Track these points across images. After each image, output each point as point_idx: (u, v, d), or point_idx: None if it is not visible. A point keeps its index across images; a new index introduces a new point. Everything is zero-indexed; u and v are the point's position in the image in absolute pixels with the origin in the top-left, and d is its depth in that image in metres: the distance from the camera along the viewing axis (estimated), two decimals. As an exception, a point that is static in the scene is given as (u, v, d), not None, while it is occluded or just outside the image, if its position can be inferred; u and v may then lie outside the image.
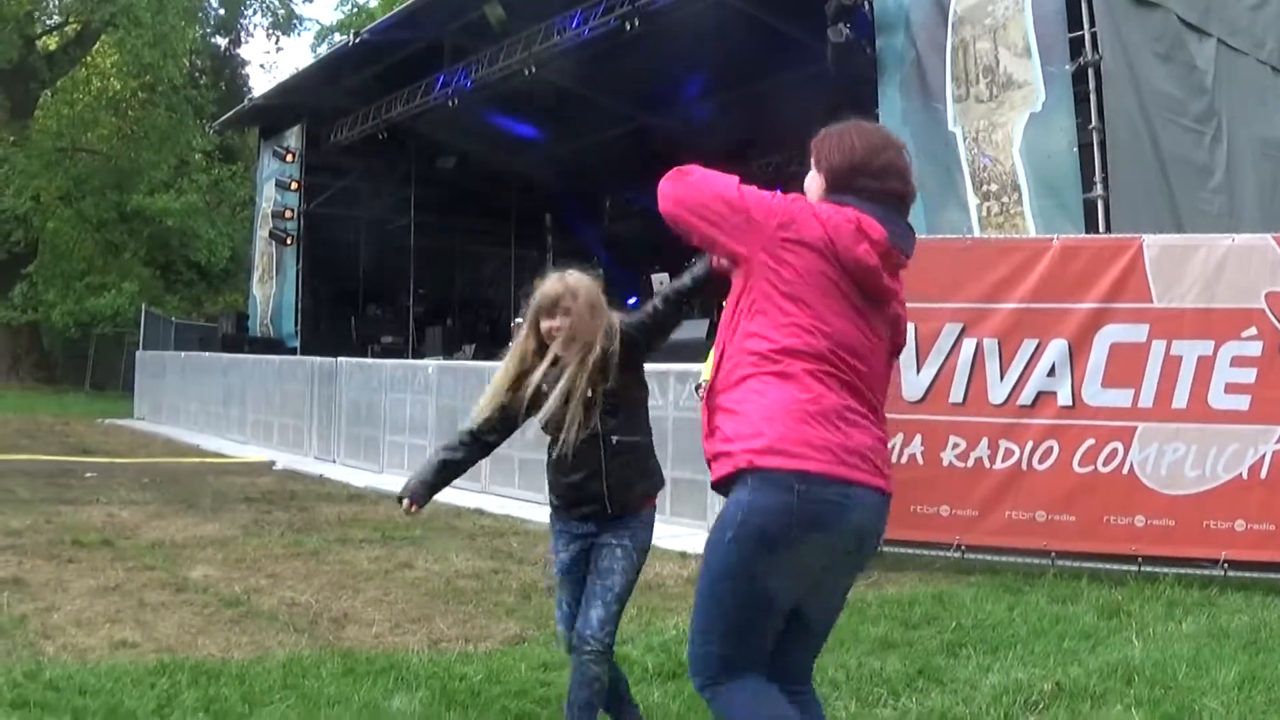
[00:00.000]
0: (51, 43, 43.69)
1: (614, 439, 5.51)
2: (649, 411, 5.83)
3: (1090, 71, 13.81)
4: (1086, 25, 13.87)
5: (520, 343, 5.69)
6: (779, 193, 4.31)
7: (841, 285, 4.16)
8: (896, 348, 4.51)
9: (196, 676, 6.77)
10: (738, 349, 4.24)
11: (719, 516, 4.15)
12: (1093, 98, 13.79)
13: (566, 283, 5.60)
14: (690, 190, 4.32)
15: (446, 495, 15.52)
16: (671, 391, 13.99)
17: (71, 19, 42.30)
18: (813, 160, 4.49)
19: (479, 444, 5.83)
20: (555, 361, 5.52)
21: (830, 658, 7.27)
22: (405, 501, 5.68)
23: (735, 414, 4.20)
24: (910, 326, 10.86)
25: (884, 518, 4.23)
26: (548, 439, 5.58)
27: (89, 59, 44.55)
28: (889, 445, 4.37)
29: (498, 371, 5.75)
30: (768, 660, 4.26)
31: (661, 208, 4.33)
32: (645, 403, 5.80)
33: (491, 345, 27.73)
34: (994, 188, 14.53)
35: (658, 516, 5.76)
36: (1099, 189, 13.50)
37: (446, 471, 5.83)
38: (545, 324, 5.53)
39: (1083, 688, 6.64)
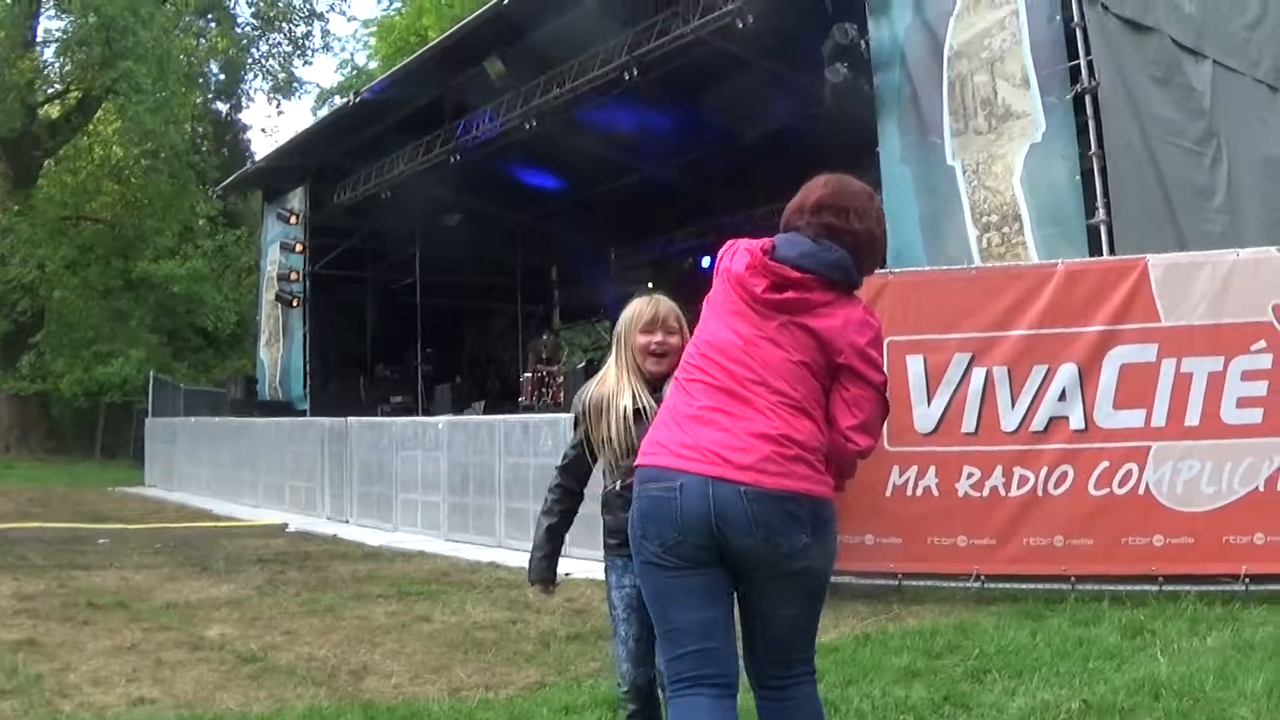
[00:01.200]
0: (54, 111, 43.83)
1: None
2: None
3: (1088, 98, 13.85)
4: (1083, 53, 13.91)
5: (610, 367, 5.69)
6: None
7: (730, 299, 4.63)
8: (839, 368, 4.53)
9: (217, 730, 6.76)
10: None
11: None
12: (1091, 124, 13.82)
13: (660, 300, 5.65)
14: None
15: (461, 550, 15.67)
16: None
17: (73, 86, 42.48)
18: None
19: (569, 493, 5.96)
20: (651, 381, 5.54)
21: (855, 689, 7.27)
22: (538, 586, 6.02)
23: None
24: (919, 359, 10.92)
25: (738, 507, 4.29)
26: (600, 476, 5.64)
27: (91, 126, 44.65)
28: (779, 435, 4.38)
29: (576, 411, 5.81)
30: (721, 665, 4.45)
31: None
32: None
33: (501, 402, 27.79)
34: (994, 219, 14.55)
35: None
36: (1101, 214, 13.51)
37: (555, 536, 6.00)
38: (645, 339, 5.52)
39: (1110, 705, 6.62)
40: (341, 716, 7.11)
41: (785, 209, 4.78)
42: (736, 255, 4.64)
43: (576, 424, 5.78)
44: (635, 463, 4.60)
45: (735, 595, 4.54)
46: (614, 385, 5.56)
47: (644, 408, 5.41)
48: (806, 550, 4.38)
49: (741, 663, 4.62)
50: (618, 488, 5.50)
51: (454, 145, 25.68)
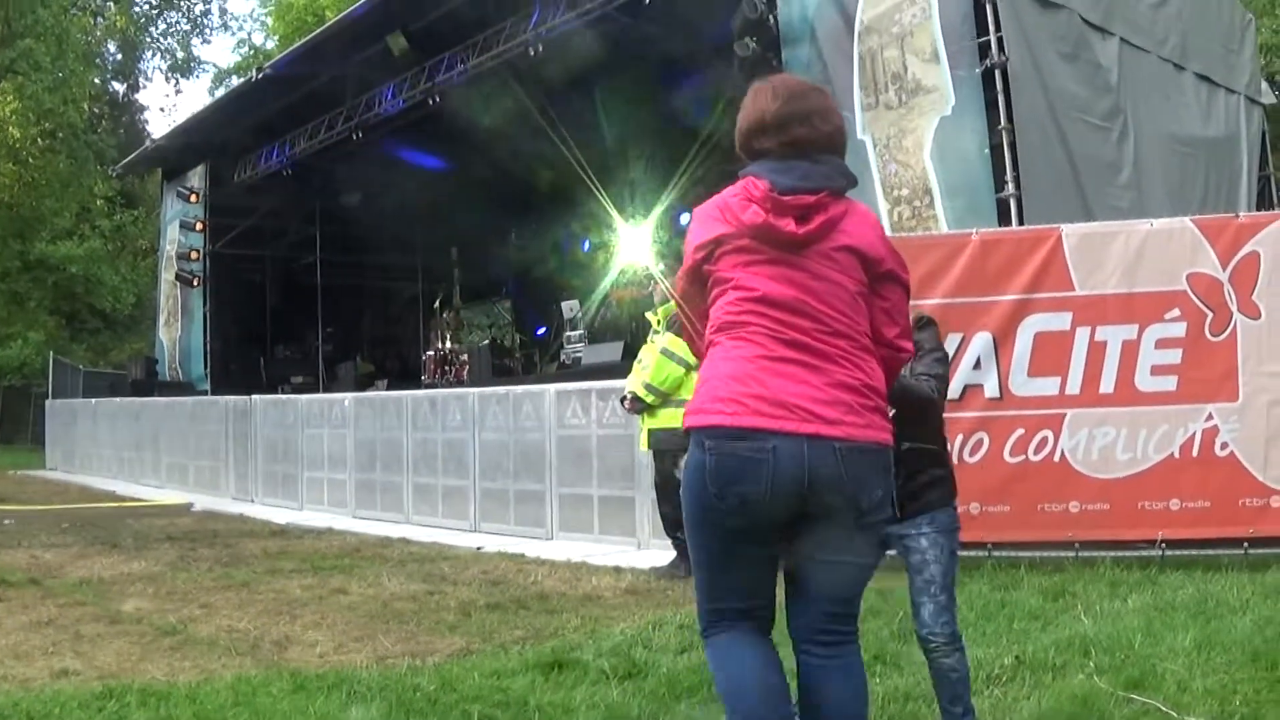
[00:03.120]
0: (-50, 91, 43.07)
1: None
2: None
3: (998, 73, 13.92)
4: (992, 29, 13.98)
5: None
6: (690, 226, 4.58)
7: (756, 251, 4.30)
8: (879, 277, 4.40)
9: (145, 698, 6.64)
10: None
11: None
12: (1001, 99, 13.89)
13: None
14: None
15: (370, 527, 15.60)
16: (594, 409, 13.99)
17: (-30, 67, 41.71)
18: None
19: None
20: None
21: (787, 649, 7.26)
22: None
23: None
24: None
25: (832, 463, 4.11)
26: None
27: (-12, 107, 43.92)
28: (860, 384, 4.23)
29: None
30: (761, 613, 4.36)
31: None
32: None
33: (402, 380, 27.63)
34: (905, 192, 14.61)
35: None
36: (1010, 188, 13.60)
37: None
38: None
39: (1042, 661, 6.68)
40: (270, 684, 7.00)
41: (739, 134, 4.53)
42: (731, 211, 4.34)
43: None
44: (705, 419, 4.22)
45: (789, 547, 4.35)
46: None
47: None
48: (884, 501, 4.30)
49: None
50: None
51: (355, 123, 25.44)
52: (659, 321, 11.63)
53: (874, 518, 4.27)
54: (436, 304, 32.40)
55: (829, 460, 4.10)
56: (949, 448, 5.73)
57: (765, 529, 4.21)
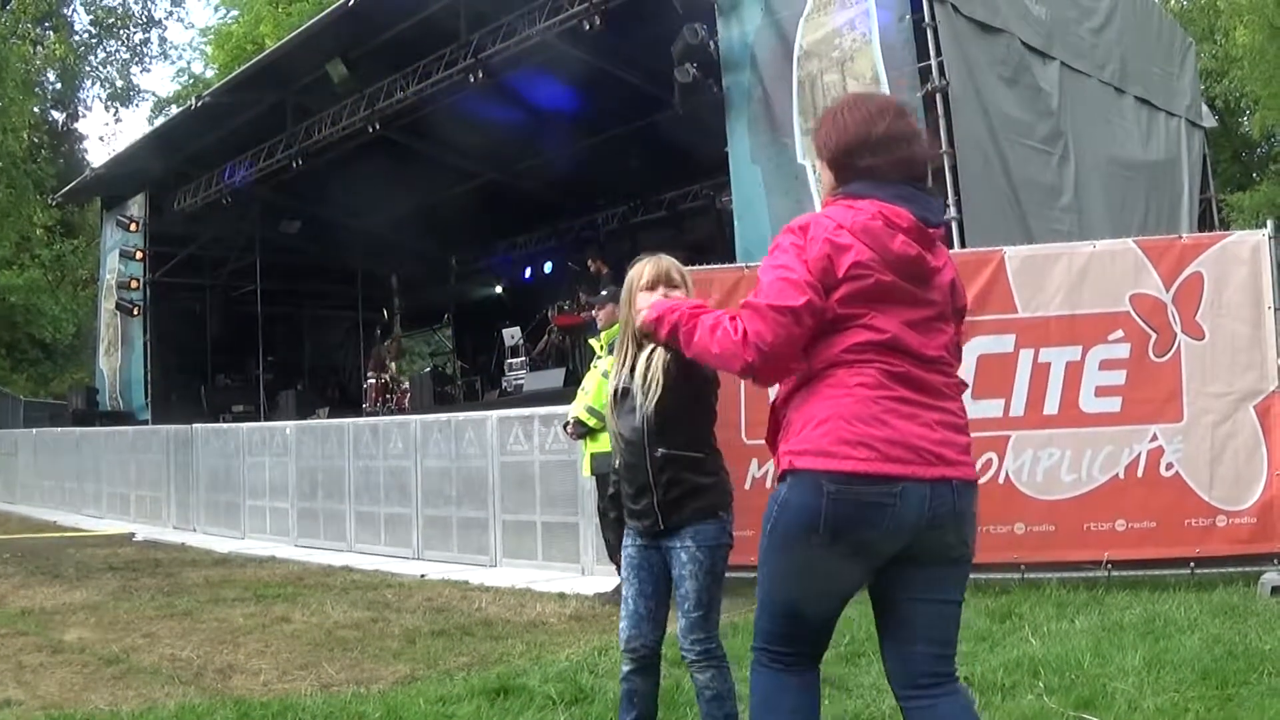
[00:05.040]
0: (-111, 119, 42.71)
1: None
2: None
3: (939, 97, 13.98)
4: (933, 53, 14.07)
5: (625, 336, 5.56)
6: (796, 243, 4.14)
7: (891, 285, 4.09)
8: (958, 310, 4.35)
9: (89, 729, 6.59)
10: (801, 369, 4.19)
11: (768, 504, 4.17)
12: (942, 122, 13.94)
13: (661, 257, 5.54)
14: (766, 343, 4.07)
15: (313, 555, 15.50)
16: (537, 435, 13.95)
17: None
18: (816, 153, 4.43)
19: None
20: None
21: (737, 670, 7.23)
22: None
23: (789, 422, 4.19)
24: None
25: (950, 503, 4.05)
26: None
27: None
28: (964, 423, 4.19)
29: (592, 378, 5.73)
30: (822, 645, 4.29)
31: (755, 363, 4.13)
32: None
33: (343, 408, 27.51)
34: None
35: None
36: (951, 211, 13.62)
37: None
38: (649, 297, 5.30)
39: (992, 682, 6.67)
40: (214, 713, 6.95)
41: (836, 145, 4.28)
42: (873, 233, 4.07)
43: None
44: (831, 463, 3.98)
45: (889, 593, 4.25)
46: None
47: (622, 387, 5.46)
48: (972, 535, 4.25)
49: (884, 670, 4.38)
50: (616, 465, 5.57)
51: (295, 150, 25.32)
52: (602, 347, 11.59)
53: (968, 549, 4.24)
54: (377, 331, 32.33)
55: (948, 500, 4.06)
56: (720, 456, 5.64)
57: (864, 573, 4.16)
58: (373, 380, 28.11)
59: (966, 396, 10.00)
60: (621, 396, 5.37)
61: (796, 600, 4.15)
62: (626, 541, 5.65)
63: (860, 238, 4.06)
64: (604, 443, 10.91)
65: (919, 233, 4.12)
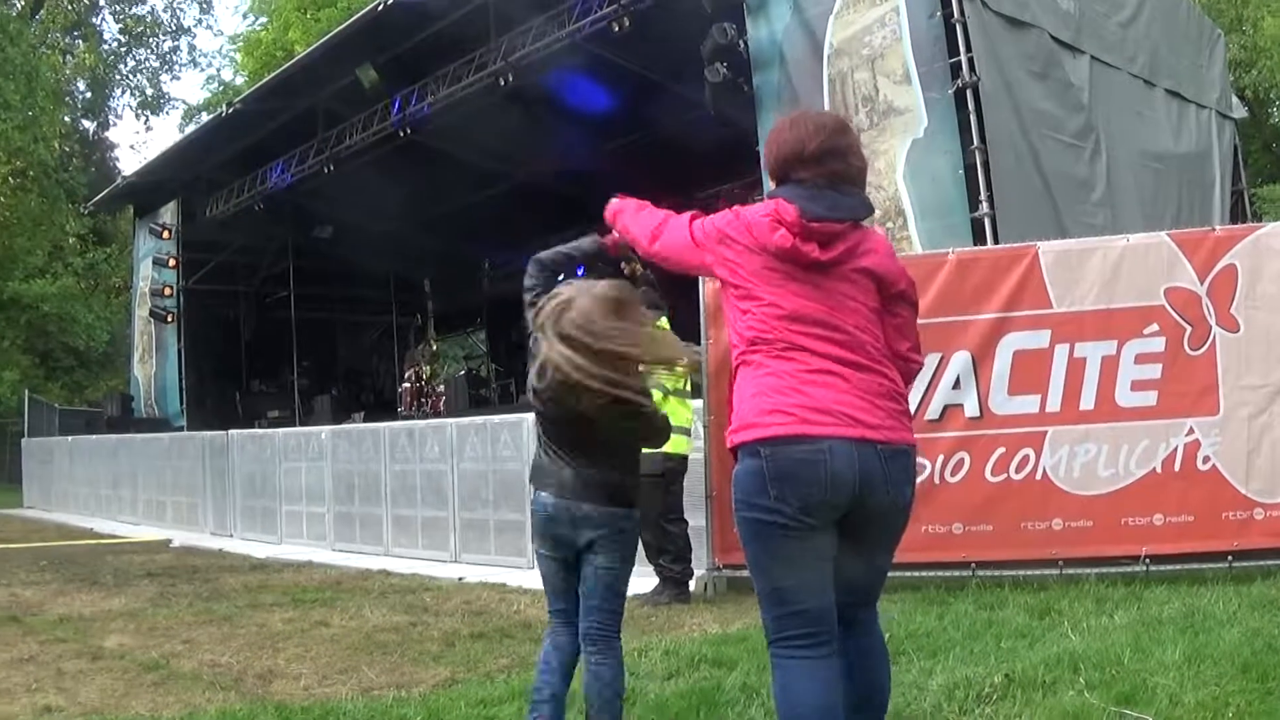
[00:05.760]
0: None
1: None
2: None
3: (969, 93, 13.97)
4: (963, 49, 14.05)
5: None
6: (722, 213, 4.85)
7: (785, 270, 4.58)
8: (894, 297, 4.76)
9: (130, 734, 6.62)
10: (730, 354, 4.73)
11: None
12: (973, 119, 13.95)
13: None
14: (664, 245, 5.04)
15: (350, 559, 15.52)
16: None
17: (-61, 106, 41.57)
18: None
19: None
20: None
21: (770, 675, 7.24)
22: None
23: (730, 407, 4.67)
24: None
25: (877, 465, 4.43)
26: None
27: (-44, 147, 43.79)
28: (890, 391, 4.59)
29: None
30: (825, 620, 4.51)
31: (641, 250, 5.20)
32: None
33: (378, 412, 27.56)
34: (877, 214, 14.62)
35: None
36: (984, 207, 13.63)
37: None
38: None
39: (1032, 679, 6.63)
40: (256, 718, 6.97)
41: (774, 158, 4.81)
42: (758, 228, 4.62)
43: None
44: (757, 432, 4.45)
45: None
46: None
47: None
48: (911, 499, 4.68)
49: None
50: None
51: (327, 156, 25.38)
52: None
53: (906, 514, 4.70)
54: (411, 335, 32.33)
55: (875, 462, 4.44)
56: None
57: (824, 531, 4.44)
58: (407, 384, 28.17)
59: (1003, 392, 10.04)
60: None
61: (773, 564, 4.50)
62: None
63: (751, 228, 4.65)
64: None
65: (801, 228, 4.52)
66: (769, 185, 4.94)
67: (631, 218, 5.28)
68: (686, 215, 4.98)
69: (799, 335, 4.50)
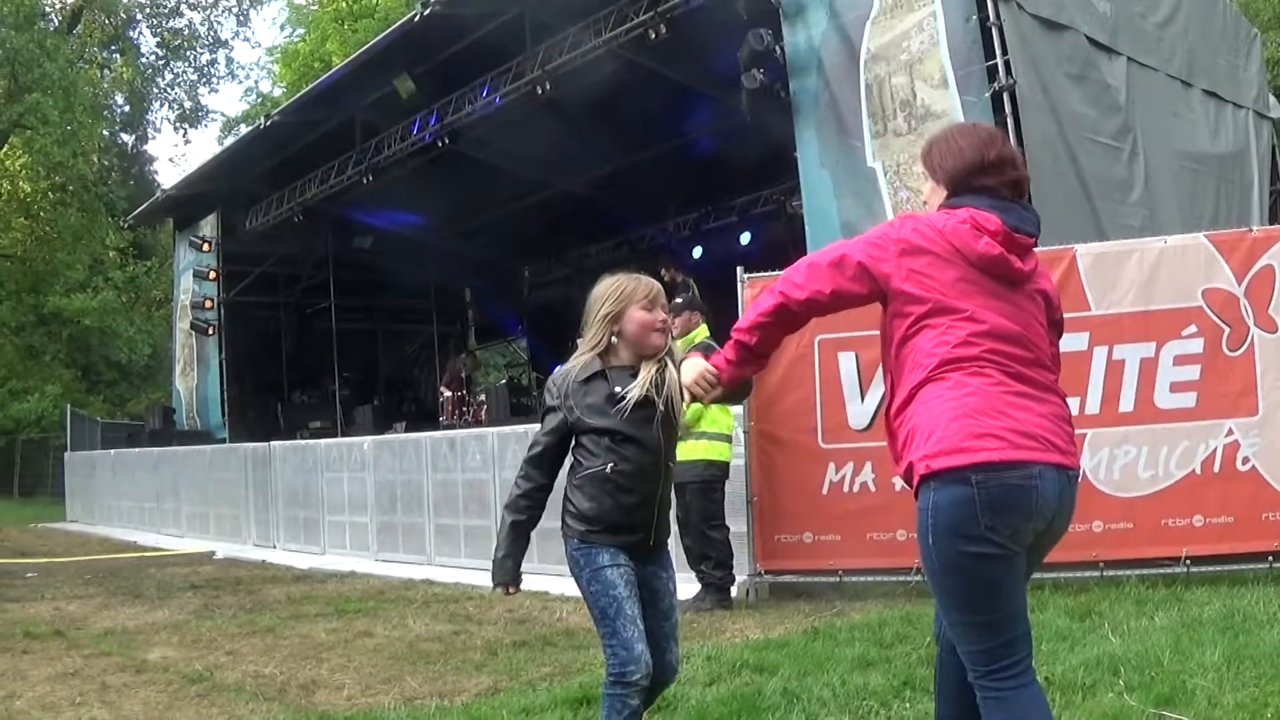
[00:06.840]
0: (-40, 148, 43.25)
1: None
2: None
3: (1006, 96, 13.96)
4: (999, 52, 14.04)
5: (590, 348, 5.46)
6: (891, 223, 4.58)
7: (981, 282, 4.40)
8: (1054, 323, 4.67)
9: (176, 746, 6.67)
10: (904, 374, 4.47)
11: (919, 520, 4.32)
12: (1010, 122, 13.91)
13: (643, 276, 5.53)
14: (809, 284, 4.54)
15: (393, 569, 15.56)
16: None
17: (-21, 122, 41.90)
18: (926, 172, 4.75)
19: (540, 487, 5.59)
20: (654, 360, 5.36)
21: (813, 679, 7.28)
22: (503, 589, 5.52)
23: (913, 430, 4.37)
24: (851, 356, 10.94)
25: (1069, 490, 4.31)
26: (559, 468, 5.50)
27: (-2, 162, 44.19)
28: (1069, 415, 4.48)
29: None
30: (1030, 643, 4.36)
31: (789, 300, 4.58)
32: None
33: (419, 422, 27.59)
34: (919, 220, 14.61)
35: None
36: (1026, 212, 13.59)
37: (522, 534, 5.57)
38: (649, 316, 5.36)
39: (1072, 681, 6.67)
40: (301, 727, 7.04)
41: (955, 165, 4.62)
42: (956, 235, 4.40)
43: (550, 412, 5.51)
44: (969, 457, 4.17)
45: None
46: (599, 364, 5.40)
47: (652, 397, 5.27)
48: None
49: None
50: (609, 470, 5.31)
51: (365, 166, 25.42)
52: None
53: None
54: (452, 345, 32.37)
55: (1068, 488, 4.31)
56: None
57: (1024, 554, 4.30)
58: (449, 394, 28.15)
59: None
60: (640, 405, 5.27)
61: (998, 604, 4.28)
62: (617, 559, 5.36)
63: (946, 235, 4.38)
64: (683, 451, 10.88)
65: (1005, 236, 4.37)
66: (884, 184, 4.81)
67: (753, 303, 4.82)
68: (821, 254, 4.62)
69: (998, 353, 4.34)
